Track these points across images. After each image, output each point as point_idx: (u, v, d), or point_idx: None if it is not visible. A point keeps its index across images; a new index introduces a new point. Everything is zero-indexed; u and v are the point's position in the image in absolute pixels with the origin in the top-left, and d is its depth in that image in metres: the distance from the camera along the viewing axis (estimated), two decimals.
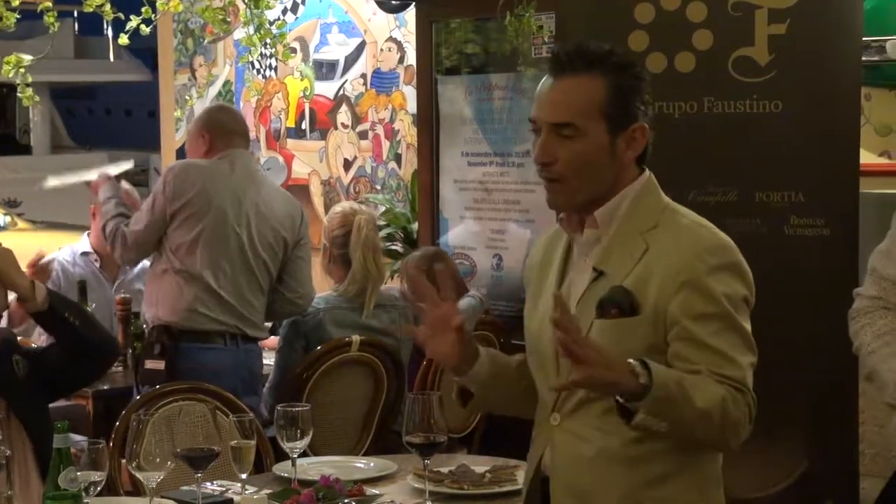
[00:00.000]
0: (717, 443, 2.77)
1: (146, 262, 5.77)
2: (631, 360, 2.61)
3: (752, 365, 2.77)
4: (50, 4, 5.91)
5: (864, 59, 4.80)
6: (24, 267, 4.12)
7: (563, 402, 2.84)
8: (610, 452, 2.77)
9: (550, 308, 2.79)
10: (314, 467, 3.85)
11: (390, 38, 7.65)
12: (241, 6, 6.86)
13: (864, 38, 4.72)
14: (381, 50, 7.72)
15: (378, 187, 7.74)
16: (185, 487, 3.63)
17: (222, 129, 5.48)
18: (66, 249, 6.24)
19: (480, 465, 3.80)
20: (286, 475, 3.72)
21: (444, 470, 3.69)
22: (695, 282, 2.72)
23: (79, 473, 3.05)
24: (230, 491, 3.59)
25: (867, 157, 5.39)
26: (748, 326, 2.79)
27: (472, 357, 2.93)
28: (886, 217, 5.72)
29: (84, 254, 6.20)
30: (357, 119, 7.87)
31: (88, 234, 6.25)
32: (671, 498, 2.79)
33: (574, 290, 2.87)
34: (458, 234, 6.76)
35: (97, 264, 6.19)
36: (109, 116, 36.15)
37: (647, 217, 2.84)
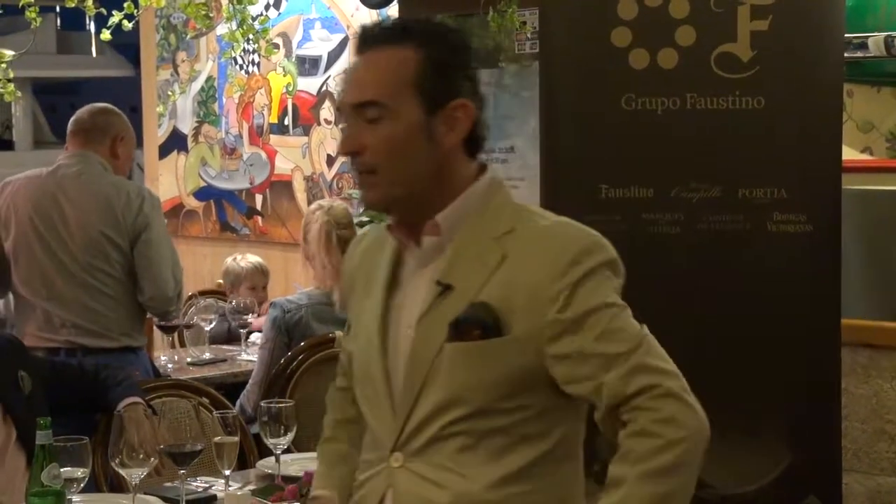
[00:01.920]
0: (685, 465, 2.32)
1: None
2: None
3: (635, 346, 2.34)
4: (32, 0, 5.88)
5: (846, 55, 4.82)
6: None
7: (409, 440, 2.42)
8: (470, 499, 2.37)
9: (374, 331, 2.48)
10: (298, 463, 3.85)
11: None
12: (224, 1, 6.85)
13: (846, 35, 4.74)
14: None
15: None
16: (168, 484, 3.62)
17: (72, 127, 5.35)
18: None
19: None
20: (270, 471, 3.71)
21: None
22: (574, 288, 2.34)
23: (62, 470, 3.04)
24: (214, 487, 3.58)
25: (849, 154, 5.41)
26: (627, 311, 2.40)
27: None
28: (869, 213, 5.75)
29: None
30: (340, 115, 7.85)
31: None
32: None
33: (410, 308, 2.45)
34: None
35: None
36: None
37: (499, 220, 2.44)
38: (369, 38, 2.46)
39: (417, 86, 2.40)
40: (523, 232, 2.42)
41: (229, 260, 6.87)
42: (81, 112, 5.48)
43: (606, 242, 2.43)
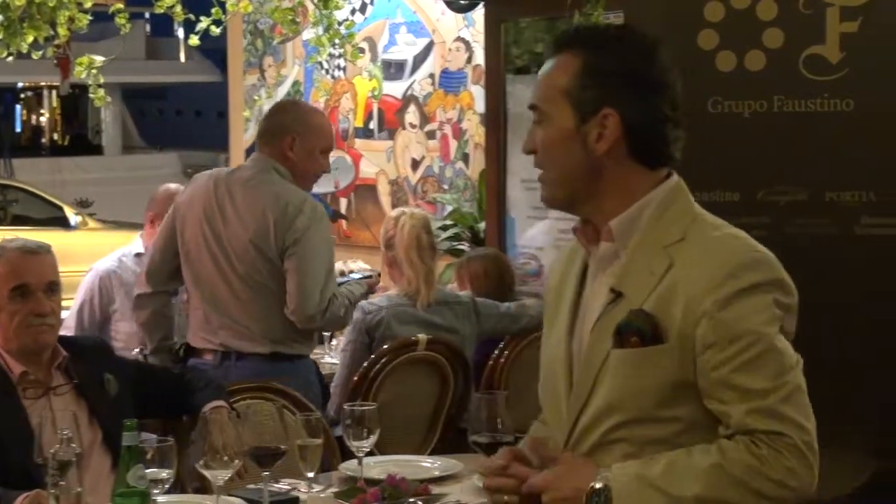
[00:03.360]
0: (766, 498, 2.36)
1: None
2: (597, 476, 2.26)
3: (780, 386, 2.37)
4: (122, 6, 5.97)
5: None
6: None
7: (579, 441, 2.51)
8: None
9: (563, 332, 2.58)
10: (380, 466, 3.85)
11: (458, 38, 7.65)
12: (310, 7, 6.90)
13: None
14: (450, 50, 7.72)
15: (445, 187, 7.74)
16: (251, 486, 3.64)
17: (260, 131, 5.20)
18: (112, 256, 6.18)
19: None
20: (352, 474, 3.72)
21: None
22: (725, 303, 2.36)
23: (147, 471, 3.07)
24: (296, 489, 3.59)
25: None
26: (783, 344, 2.41)
27: None
28: None
29: (138, 255, 6.20)
30: (425, 119, 7.88)
31: (142, 235, 6.25)
32: None
33: (590, 313, 2.54)
34: (525, 234, 6.74)
35: None
36: (180, 117, 36.51)
37: (673, 229, 2.47)
38: (552, 47, 2.58)
39: (570, 94, 2.50)
40: (691, 241, 2.45)
41: (339, 264, 6.88)
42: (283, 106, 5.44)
43: (773, 259, 2.45)
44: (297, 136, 4.96)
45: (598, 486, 2.21)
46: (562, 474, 2.45)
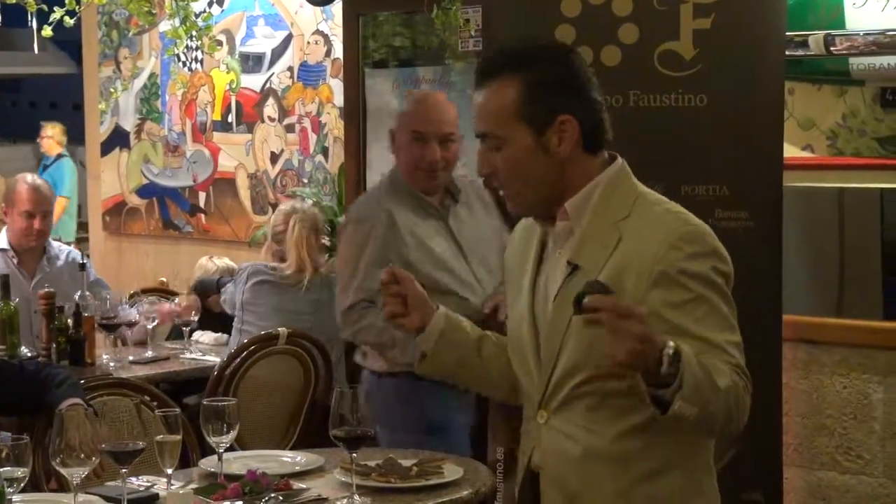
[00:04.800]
0: (731, 427, 2.68)
1: (76, 255, 5.93)
2: (664, 342, 2.49)
3: (737, 345, 2.67)
4: None
5: (787, 53, 4.85)
6: None
7: (550, 399, 2.77)
8: (597, 451, 2.71)
9: (526, 304, 2.81)
10: (240, 461, 3.83)
11: (317, 32, 7.63)
12: None
13: (787, 33, 4.76)
14: (308, 43, 7.70)
15: (305, 181, 7.72)
16: (110, 483, 3.60)
17: None
18: None
19: (407, 458, 3.80)
20: (213, 470, 3.69)
21: (371, 463, 3.68)
22: (671, 272, 2.63)
23: (2, 469, 3.02)
24: (156, 486, 3.56)
25: (791, 151, 5.45)
26: (728, 307, 2.69)
27: (428, 316, 2.92)
28: (809, 209, 5.79)
29: (1, 251, 6.12)
30: (284, 112, 7.84)
31: (6, 231, 6.16)
32: (664, 493, 2.72)
33: (551, 285, 2.79)
34: None
35: (15, 261, 6.11)
36: (34, 109, 35.83)
37: (620, 206, 2.74)
38: (483, 73, 2.77)
39: (521, 114, 2.72)
40: (636, 217, 2.72)
41: (204, 259, 6.88)
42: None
43: (709, 231, 2.72)
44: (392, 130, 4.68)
45: (672, 345, 2.47)
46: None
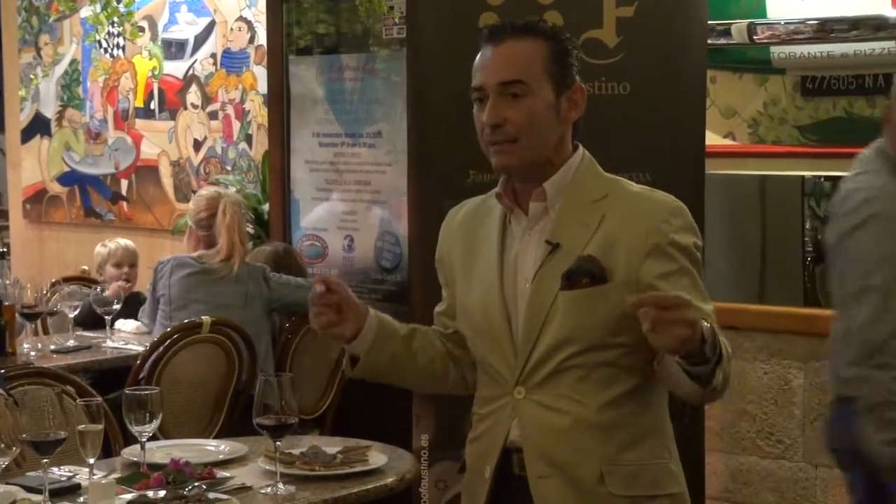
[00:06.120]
0: (724, 393, 2.75)
1: None
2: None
3: (713, 313, 2.76)
4: None
5: (709, 42, 4.88)
6: None
7: (530, 375, 2.82)
8: (586, 421, 2.78)
9: (491, 283, 2.86)
10: (163, 450, 3.81)
11: (240, 18, 7.59)
12: None
13: (709, 22, 4.80)
14: (232, 29, 7.65)
15: (228, 168, 7.67)
16: (31, 473, 3.56)
17: None
18: None
19: (332, 446, 3.79)
20: (135, 459, 3.67)
21: (296, 451, 3.67)
22: (663, 244, 2.76)
23: None
24: (78, 476, 3.53)
25: (712, 139, 5.50)
26: (703, 281, 2.83)
27: (361, 320, 2.91)
28: (731, 197, 5.84)
29: None
30: (207, 99, 7.79)
31: None
32: (645, 458, 2.82)
33: (523, 267, 2.85)
34: (309, 215, 6.73)
35: None
36: None
37: (595, 187, 2.86)
38: (506, 31, 2.84)
39: (549, 71, 2.81)
40: (617, 196, 2.84)
41: (99, 246, 6.85)
42: None
43: (684, 206, 2.85)
44: None
45: (705, 322, 2.54)
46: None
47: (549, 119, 2.82)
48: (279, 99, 6.80)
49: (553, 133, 2.84)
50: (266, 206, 7.02)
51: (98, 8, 6.52)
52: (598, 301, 2.75)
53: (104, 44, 8.27)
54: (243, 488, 3.48)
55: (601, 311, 2.74)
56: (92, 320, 6.25)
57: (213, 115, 7.78)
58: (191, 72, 7.87)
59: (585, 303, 2.75)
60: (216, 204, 5.85)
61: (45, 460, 3.32)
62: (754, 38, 5.39)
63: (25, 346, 5.78)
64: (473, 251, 2.95)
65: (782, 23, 5.33)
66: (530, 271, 2.83)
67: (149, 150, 8.15)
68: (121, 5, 6.64)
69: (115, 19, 6.66)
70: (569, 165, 2.87)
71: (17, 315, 5.66)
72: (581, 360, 2.78)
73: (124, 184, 8.32)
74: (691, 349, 2.54)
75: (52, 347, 5.89)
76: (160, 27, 8.01)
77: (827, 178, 5.65)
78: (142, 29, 7.92)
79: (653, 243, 2.76)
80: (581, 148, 2.91)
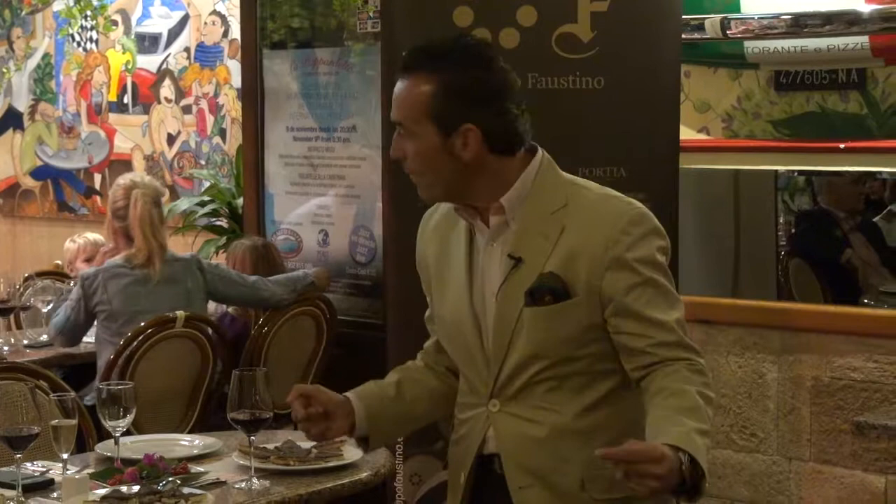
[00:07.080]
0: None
1: None
2: (677, 455, 2.52)
3: (679, 320, 2.77)
4: None
5: (683, 36, 4.89)
6: None
7: (503, 388, 2.82)
8: (562, 429, 2.78)
9: (461, 295, 2.85)
10: (138, 446, 3.80)
11: (214, 12, 7.57)
12: None
13: (683, 17, 4.81)
14: (205, 23, 7.63)
15: (203, 162, 7.66)
16: (4, 468, 3.55)
17: None
18: None
19: (306, 440, 3.78)
20: (109, 454, 3.66)
21: (270, 446, 3.67)
22: (623, 257, 2.72)
23: None
24: (51, 471, 3.52)
25: (687, 133, 5.51)
26: (670, 282, 2.79)
27: (350, 416, 2.92)
28: (705, 191, 5.85)
29: None
30: (181, 93, 7.77)
31: None
32: None
33: (489, 279, 2.83)
34: (283, 209, 6.72)
35: None
36: None
37: (554, 197, 2.80)
38: (408, 63, 2.81)
39: (431, 114, 2.75)
40: (576, 206, 2.79)
41: (68, 241, 6.82)
42: None
43: (648, 211, 2.80)
44: None
45: (685, 452, 2.52)
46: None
47: (438, 159, 2.76)
48: (253, 93, 6.78)
49: (451, 171, 2.77)
50: (240, 201, 7.00)
51: (71, 1, 6.50)
52: (563, 317, 2.74)
53: (77, 37, 8.24)
54: (217, 483, 3.47)
55: (567, 326, 2.75)
56: None
57: (186, 110, 7.76)
58: (164, 66, 7.85)
59: (550, 319, 2.74)
60: (129, 193, 5.59)
61: (17, 455, 3.31)
62: (728, 32, 5.39)
63: None
64: (446, 258, 2.94)
65: (756, 17, 5.33)
66: (496, 285, 2.81)
67: (122, 145, 8.13)
68: None
69: (88, 13, 6.64)
70: (526, 175, 2.81)
71: None
72: (552, 373, 2.78)
73: (98, 178, 8.29)
74: (667, 489, 2.52)
75: (25, 342, 5.87)
76: (133, 21, 7.99)
77: (800, 172, 5.67)
78: (115, 23, 7.89)
79: (612, 256, 2.72)
80: (539, 152, 2.85)
